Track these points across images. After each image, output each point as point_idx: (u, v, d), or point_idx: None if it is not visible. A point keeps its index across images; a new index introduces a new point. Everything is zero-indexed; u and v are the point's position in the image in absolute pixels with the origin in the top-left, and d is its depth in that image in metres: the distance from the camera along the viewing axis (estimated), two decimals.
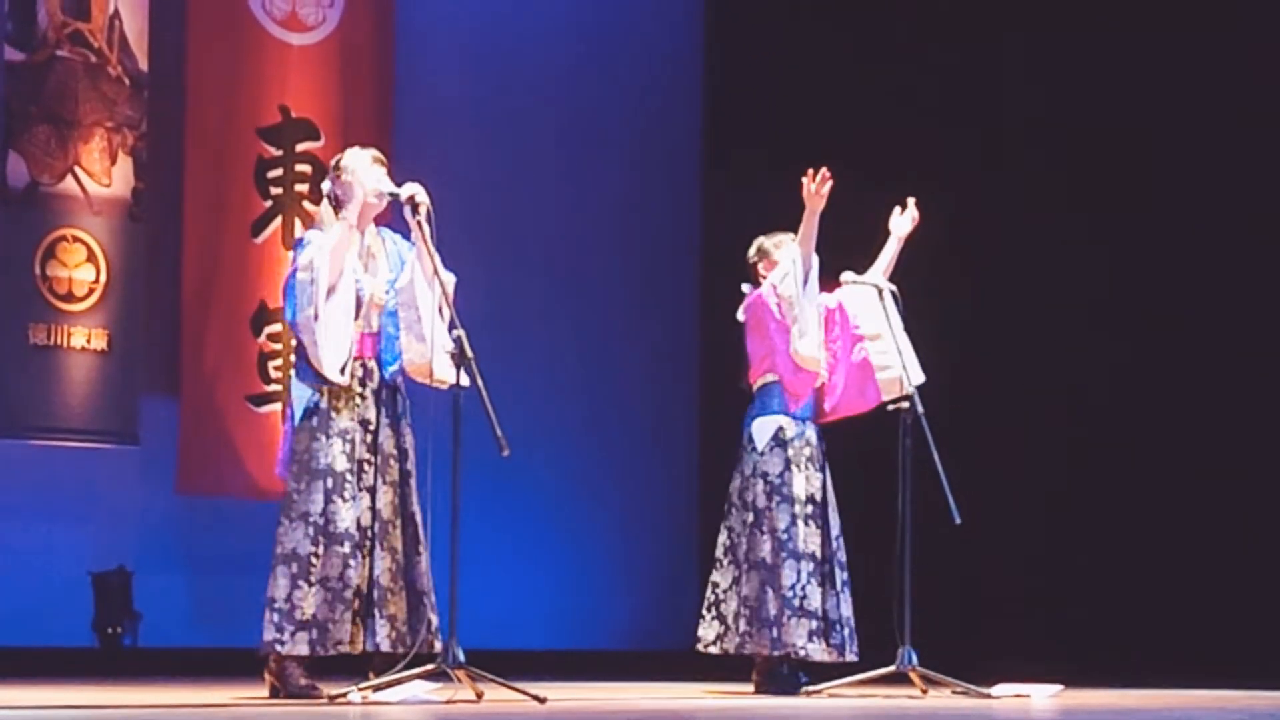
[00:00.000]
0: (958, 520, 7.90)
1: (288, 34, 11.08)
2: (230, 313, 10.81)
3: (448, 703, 6.70)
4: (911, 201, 8.34)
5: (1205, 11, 11.01)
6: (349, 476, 6.95)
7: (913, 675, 7.95)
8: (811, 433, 8.16)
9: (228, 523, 10.62)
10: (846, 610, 8.06)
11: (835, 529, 8.13)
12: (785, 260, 8.09)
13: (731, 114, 12.40)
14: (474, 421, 6.86)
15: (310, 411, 7.01)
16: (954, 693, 7.95)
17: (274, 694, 6.98)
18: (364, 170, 7.11)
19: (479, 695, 6.82)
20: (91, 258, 10.48)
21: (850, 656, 8.01)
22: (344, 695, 6.77)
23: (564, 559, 11.93)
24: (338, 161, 7.17)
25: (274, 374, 10.82)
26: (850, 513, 8.27)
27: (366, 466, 7.00)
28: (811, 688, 7.96)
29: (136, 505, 10.70)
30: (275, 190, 10.96)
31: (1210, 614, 10.66)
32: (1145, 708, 7.12)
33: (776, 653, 7.95)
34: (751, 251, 8.31)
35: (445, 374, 6.94)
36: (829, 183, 7.96)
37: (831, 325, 8.26)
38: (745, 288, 8.25)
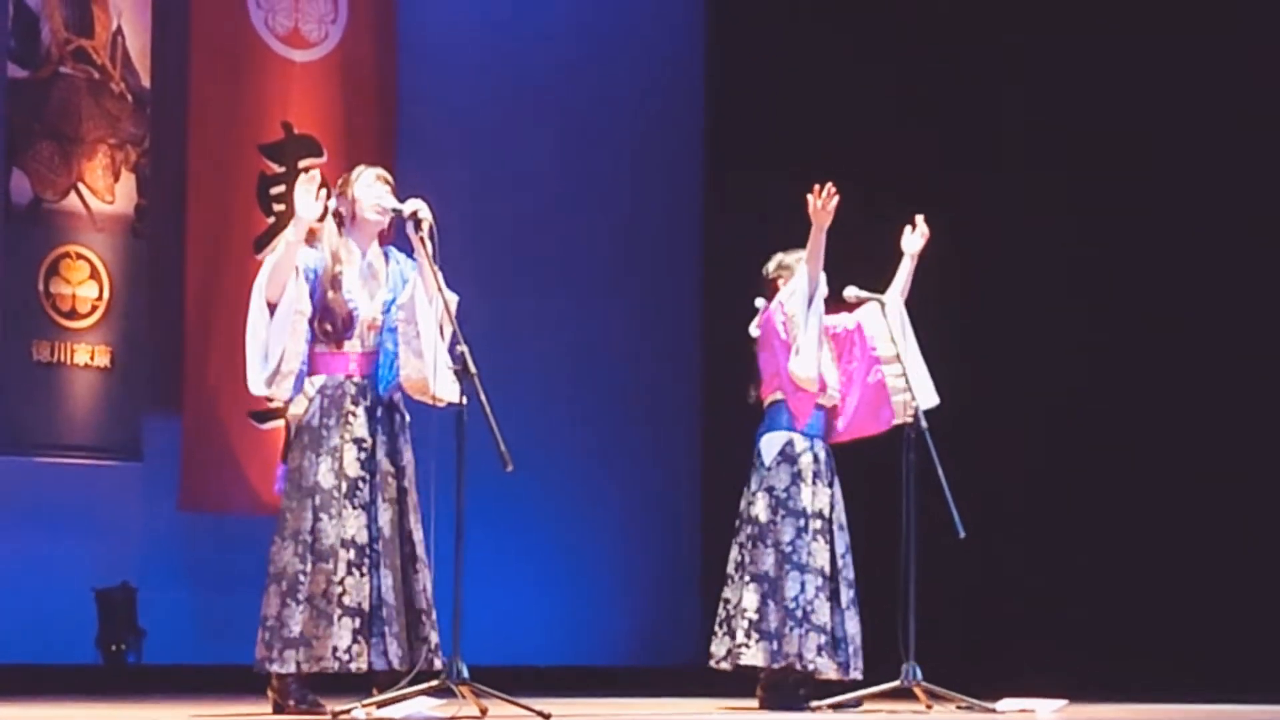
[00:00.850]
0: (962, 534, 7.90)
1: (290, 50, 11.09)
2: (233, 329, 10.73)
3: (452, 719, 6.69)
4: (920, 219, 8.33)
5: (1209, 13, 11.00)
6: (336, 494, 6.95)
7: (917, 690, 7.94)
8: (820, 448, 8.15)
9: (231, 539, 10.61)
10: (853, 628, 8.05)
11: (842, 546, 8.12)
12: (793, 280, 8.08)
13: (733, 121, 12.39)
14: (477, 437, 6.87)
15: (302, 429, 7.02)
16: (958, 708, 7.94)
17: (277, 710, 6.98)
18: (365, 187, 7.12)
19: (483, 711, 6.82)
20: (95, 274, 10.48)
21: (855, 674, 7.99)
22: (348, 711, 6.76)
23: (568, 574, 11.92)
24: (344, 178, 7.20)
25: None
26: (854, 527, 8.26)
27: (362, 484, 7.00)
28: (816, 703, 7.95)
29: (140, 522, 10.69)
30: (278, 207, 10.96)
31: (1216, 628, 10.65)
32: None
33: (776, 664, 7.93)
34: (771, 266, 8.27)
35: (442, 392, 6.94)
36: (835, 198, 7.95)
37: (850, 346, 8.26)
38: (759, 303, 8.24)
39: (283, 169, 11.00)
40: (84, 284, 10.45)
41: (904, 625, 8.00)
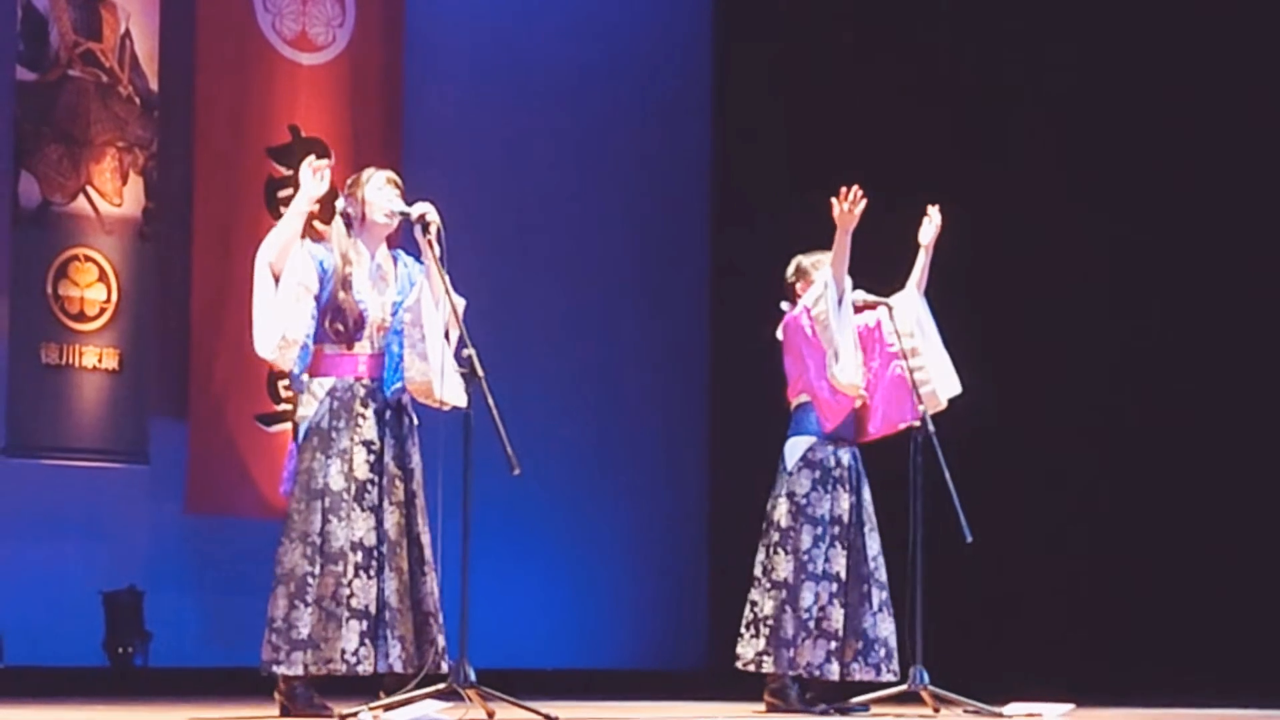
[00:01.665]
0: (969, 539, 7.89)
1: (298, 54, 11.10)
2: (240, 332, 10.74)
3: None
4: (934, 209, 8.32)
5: (1220, 8, 11.00)
6: (346, 496, 6.95)
7: (924, 694, 7.94)
8: (845, 453, 8.15)
9: (238, 542, 10.61)
10: (886, 630, 8.05)
11: (873, 549, 8.12)
12: (817, 283, 8.06)
13: (741, 123, 12.40)
14: (484, 440, 6.87)
15: (311, 431, 7.02)
16: (966, 712, 7.94)
17: (284, 713, 6.98)
18: (374, 190, 7.12)
19: (490, 714, 6.81)
20: (103, 277, 10.49)
21: (888, 676, 8.00)
22: (354, 714, 6.76)
23: (575, 577, 11.92)
24: (353, 180, 7.20)
25: (284, 394, 10.82)
26: None
27: (370, 487, 7.00)
28: (823, 706, 7.95)
29: (147, 525, 10.70)
30: (285, 210, 10.95)
31: (1224, 633, 10.64)
32: None
33: (791, 673, 7.94)
34: (790, 270, 8.27)
35: (447, 396, 6.94)
36: (863, 202, 7.93)
37: (873, 344, 8.26)
38: (784, 306, 8.23)
39: (290, 172, 11.00)
40: (92, 286, 10.46)
41: (911, 629, 8.00)
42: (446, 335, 7.03)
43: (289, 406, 10.79)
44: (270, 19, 11.04)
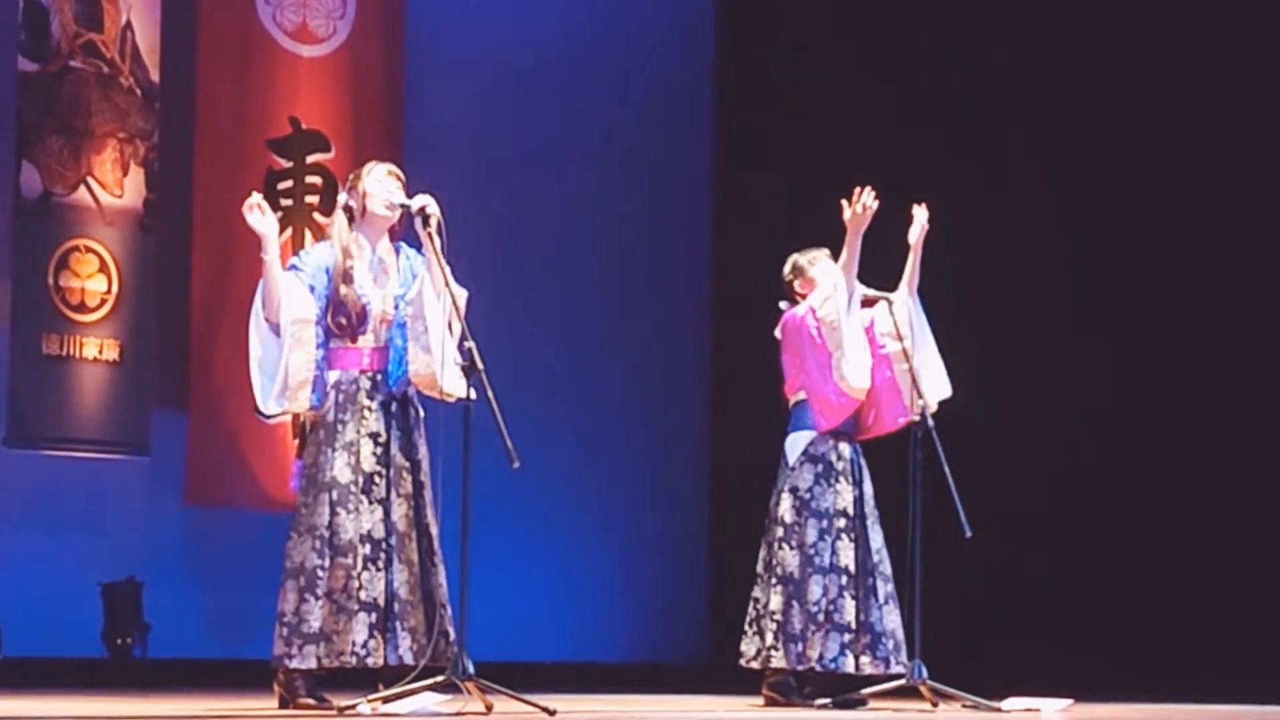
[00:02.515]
0: (969, 533, 7.90)
1: (298, 46, 11.10)
2: (240, 324, 10.69)
3: (457, 714, 6.70)
4: (919, 209, 8.29)
5: (1220, 7, 11.01)
6: (353, 489, 6.95)
7: (923, 689, 7.94)
8: (846, 447, 8.15)
9: (238, 534, 10.63)
10: (893, 623, 8.05)
11: (876, 542, 8.12)
12: (825, 284, 8.05)
13: (743, 120, 12.40)
14: (484, 433, 6.87)
15: (318, 425, 7.02)
16: (964, 707, 7.94)
17: (283, 705, 6.98)
18: (375, 182, 7.12)
19: (489, 707, 6.82)
20: (104, 268, 10.50)
21: (897, 669, 8.00)
22: (353, 706, 6.77)
23: (574, 571, 11.93)
24: (355, 173, 7.20)
25: None
26: None
27: (378, 479, 6.99)
28: (821, 700, 7.96)
29: (146, 516, 10.70)
30: (286, 202, 10.97)
31: (1222, 628, 10.65)
32: None
33: (800, 667, 7.94)
34: (786, 269, 8.26)
35: (450, 387, 6.94)
36: (875, 204, 7.93)
37: (869, 343, 8.25)
38: (782, 305, 8.23)
39: (290, 164, 11.01)
40: (93, 277, 10.46)
41: (910, 624, 8.00)
42: (450, 327, 7.03)
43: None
44: (271, 11, 11.04)
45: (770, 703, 8.06)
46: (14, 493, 10.28)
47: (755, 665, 8.06)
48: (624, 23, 12.53)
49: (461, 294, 7.07)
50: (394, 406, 7.06)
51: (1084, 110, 11.42)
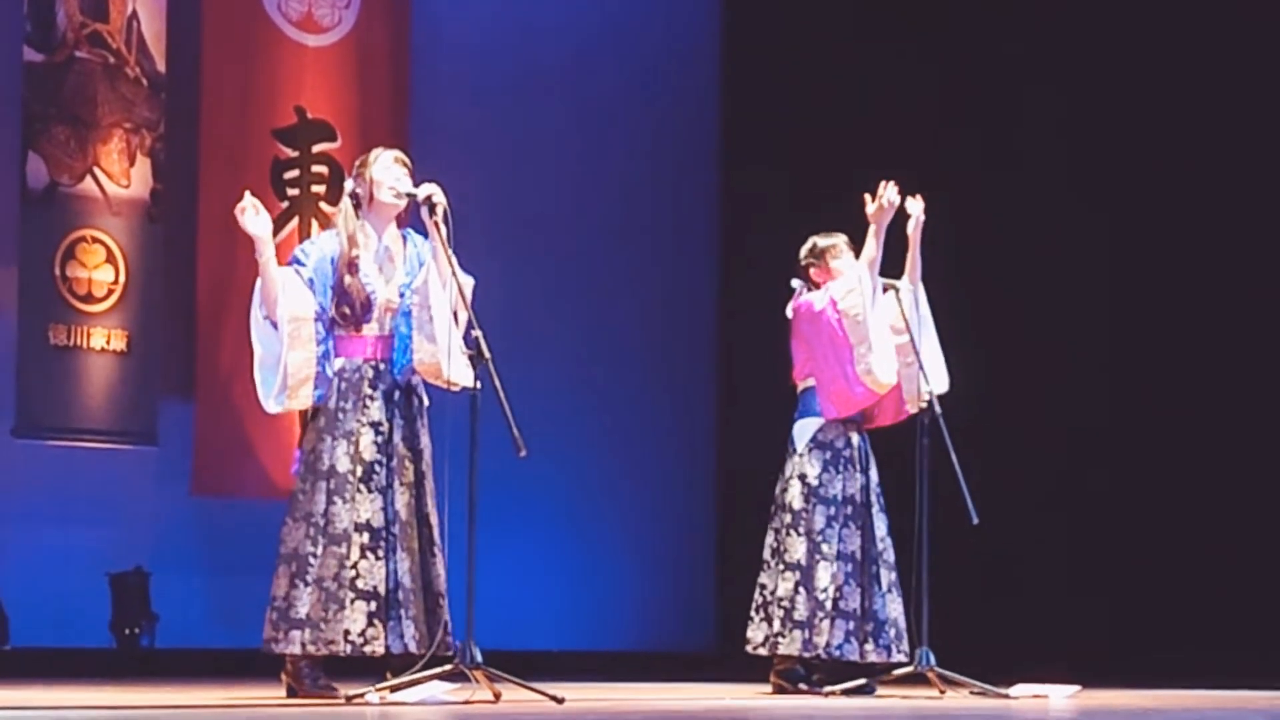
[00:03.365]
0: (975, 521, 7.89)
1: (304, 35, 11.10)
2: (246, 314, 10.78)
3: (465, 703, 6.70)
4: (914, 200, 8.22)
5: (1225, 3, 11.00)
6: (351, 478, 6.96)
7: (930, 676, 7.94)
8: (854, 434, 8.15)
9: (245, 523, 10.62)
10: (895, 611, 8.06)
11: (882, 530, 8.13)
12: (849, 276, 8.03)
13: (749, 108, 12.40)
14: (491, 422, 6.87)
15: (319, 412, 7.03)
16: (971, 693, 7.94)
17: (290, 694, 6.99)
18: (382, 170, 7.11)
19: (496, 696, 6.82)
20: (111, 259, 10.50)
21: (899, 657, 8.01)
22: (361, 695, 6.78)
23: (581, 560, 11.93)
24: (362, 160, 7.19)
25: None
26: None
27: (378, 468, 7.00)
28: (829, 688, 7.96)
29: (154, 506, 10.71)
30: (291, 191, 10.97)
31: (1230, 614, 10.65)
32: (1163, 708, 7.11)
33: (808, 654, 7.95)
34: (805, 250, 8.22)
35: (456, 376, 6.93)
36: (898, 198, 7.93)
37: None
38: (795, 284, 8.21)
39: (296, 154, 11.01)
40: (100, 268, 10.47)
41: (917, 610, 8.00)
42: (455, 316, 7.03)
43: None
44: (276, 1, 11.03)
45: (778, 690, 8.07)
46: (22, 483, 10.29)
47: (762, 652, 8.06)
48: (629, 9, 12.52)
49: (468, 282, 7.07)
50: (397, 395, 7.06)
51: (1087, 107, 11.41)
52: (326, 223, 10.69)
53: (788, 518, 8.06)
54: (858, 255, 8.12)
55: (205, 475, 10.65)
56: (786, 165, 11.87)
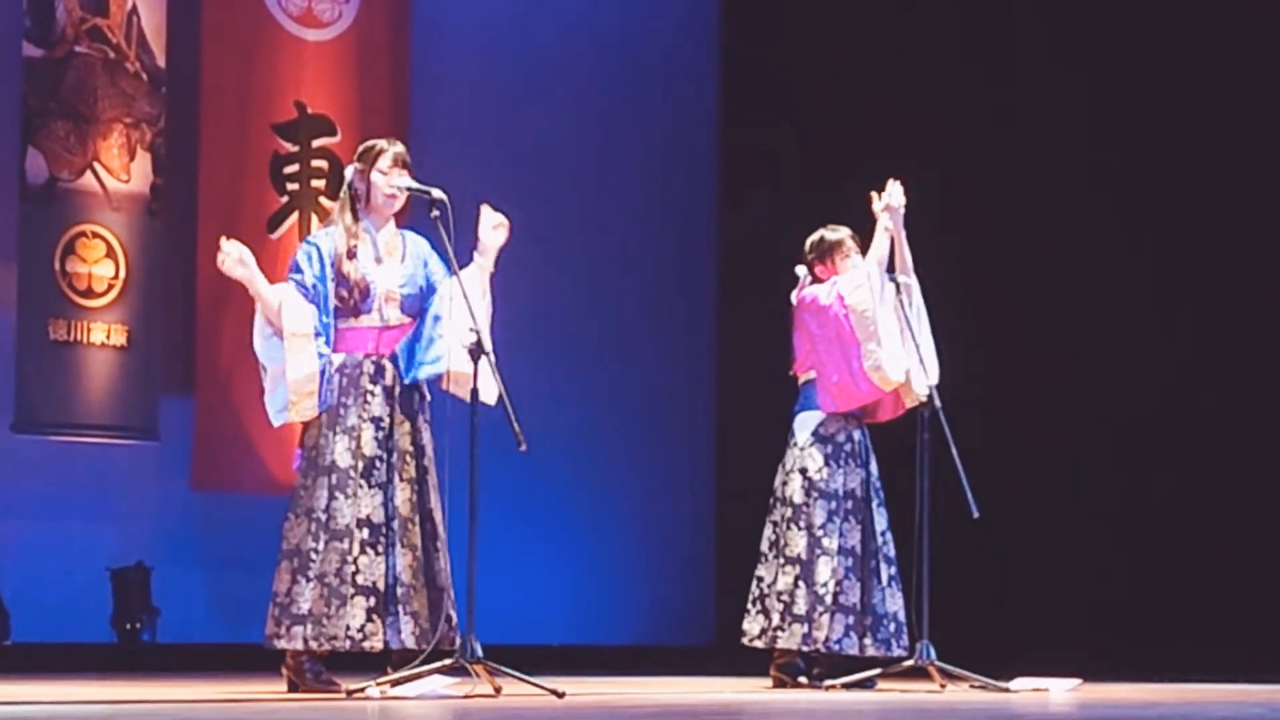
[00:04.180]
0: (976, 514, 7.89)
1: (303, 30, 11.10)
2: (246, 309, 10.74)
3: (466, 697, 6.71)
4: (893, 183, 8.21)
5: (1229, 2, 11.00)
6: (353, 474, 6.96)
7: (931, 669, 7.95)
8: (855, 428, 8.15)
9: (245, 518, 10.63)
10: (895, 605, 8.06)
11: (882, 524, 8.12)
12: (858, 272, 8.03)
13: (749, 107, 12.40)
14: (492, 417, 6.88)
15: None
16: (972, 687, 7.95)
17: (292, 689, 7.00)
18: (383, 171, 7.08)
19: (497, 690, 6.83)
20: (111, 253, 10.50)
21: (898, 651, 8.01)
22: (362, 690, 6.78)
23: (582, 554, 11.94)
24: (363, 152, 7.16)
25: None
26: None
27: (379, 464, 7.00)
28: (830, 681, 7.96)
29: (155, 501, 10.72)
30: (291, 186, 10.97)
31: (1230, 607, 10.65)
32: (1164, 701, 7.11)
33: (807, 648, 7.95)
34: (813, 240, 8.20)
35: (485, 395, 6.93)
36: (903, 200, 7.95)
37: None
38: (800, 270, 8.20)
39: (296, 148, 11.01)
40: (100, 263, 10.47)
41: (918, 604, 8.00)
42: (470, 306, 7.02)
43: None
44: None
45: (778, 684, 8.07)
46: (22, 479, 10.30)
47: (759, 644, 8.06)
48: (632, 5, 12.51)
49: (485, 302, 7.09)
50: (398, 391, 7.06)
51: (1088, 107, 11.40)
52: (326, 217, 10.68)
53: (788, 511, 8.06)
54: (863, 250, 8.13)
55: (205, 470, 10.66)
56: (787, 161, 11.87)
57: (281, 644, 6.91)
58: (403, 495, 7.01)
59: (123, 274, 10.52)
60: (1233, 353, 10.94)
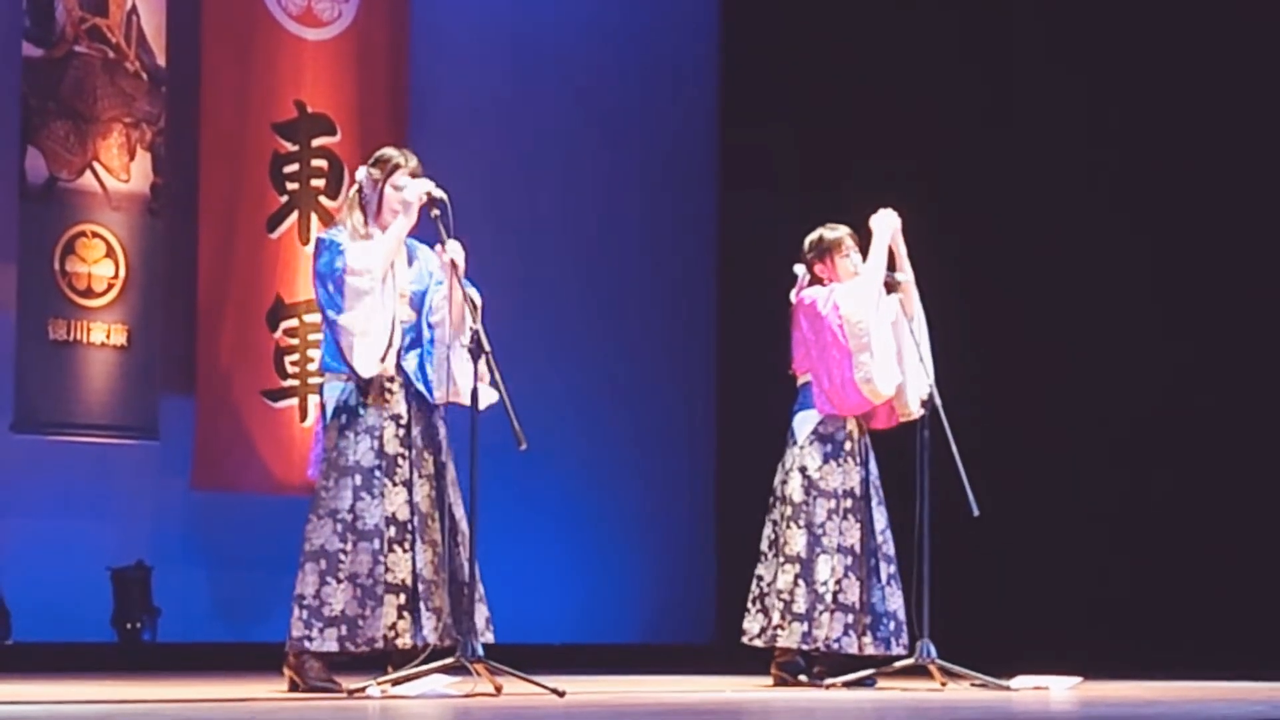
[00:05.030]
0: (976, 513, 7.90)
1: (303, 29, 11.10)
2: (246, 308, 10.83)
3: (467, 696, 6.71)
4: (885, 213, 8.24)
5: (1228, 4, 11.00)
6: (378, 473, 6.96)
7: (931, 668, 7.95)
8: (854, 426, 8.16)
9: (246, 518, 10.64)
10: (895, 604, 8.06)
11: (881, 523, 8.13)
12: (855, 282, 8.03)
13: (748, 107, 12.40)
14: (492, 416, 6.88)
15: (340, 409, 7.02)
16: (972, 685, 7.95)
17: (293, 688, 6.99)
18: (394, 188, 7.07)
19: (498, 689, 6.83)
20: (110, 253, 10.50)
21: (898, 650, 8.01)
22: (363, 689, 6.78)
23: (582, 553, 11.94)
24: (380, 159, 7.15)
25: (290, 369, 10.84)
26: None
27: (401, 461, 7.00)
28: (830, 680, 7.97)
29: (155, 501, 10.71)
30: (291, 186, 10.97)
31: (1230, 605, 10.65)
32: (1164, 699, 7.12)
33: (806, 646, 7.95)
34: (812, 240, 8.20)
35: (482, 404, 6.95)
36: (897, 221, 7.98)
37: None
38: (799, 269, 8.20)
39: (296, 148, 11.00)
40: (100, 262, 10.46)
41: (918, 602, 8.01)
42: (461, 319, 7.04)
43: (295, 382, 10.80)
44: None
45: (779, 682, 8.07)
46: (22, 478, 10.29)
47: (759, 643, 8.07)
48: (632, 5, 12.51)
49: (476, 296, 7.08)
50: (415, 388, 7.07)
51: (1088, 106, 11.41)
52: (326, 216, 10.69)
53: (787, 510, 8.06)
54: (862, 249, 8.13)
55: (206, 470, 10.65)
56: (786, 161, 11.87)
57: (315, 646, 6.86)
58: (422, 491, 7.01)
59: (122, 274, 10.51)
60: (1232, 353, 10.94)
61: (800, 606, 7.95)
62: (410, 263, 7.16)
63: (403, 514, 6.96)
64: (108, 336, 10.45)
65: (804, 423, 8.12)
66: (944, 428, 7.97)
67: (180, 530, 10.73)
